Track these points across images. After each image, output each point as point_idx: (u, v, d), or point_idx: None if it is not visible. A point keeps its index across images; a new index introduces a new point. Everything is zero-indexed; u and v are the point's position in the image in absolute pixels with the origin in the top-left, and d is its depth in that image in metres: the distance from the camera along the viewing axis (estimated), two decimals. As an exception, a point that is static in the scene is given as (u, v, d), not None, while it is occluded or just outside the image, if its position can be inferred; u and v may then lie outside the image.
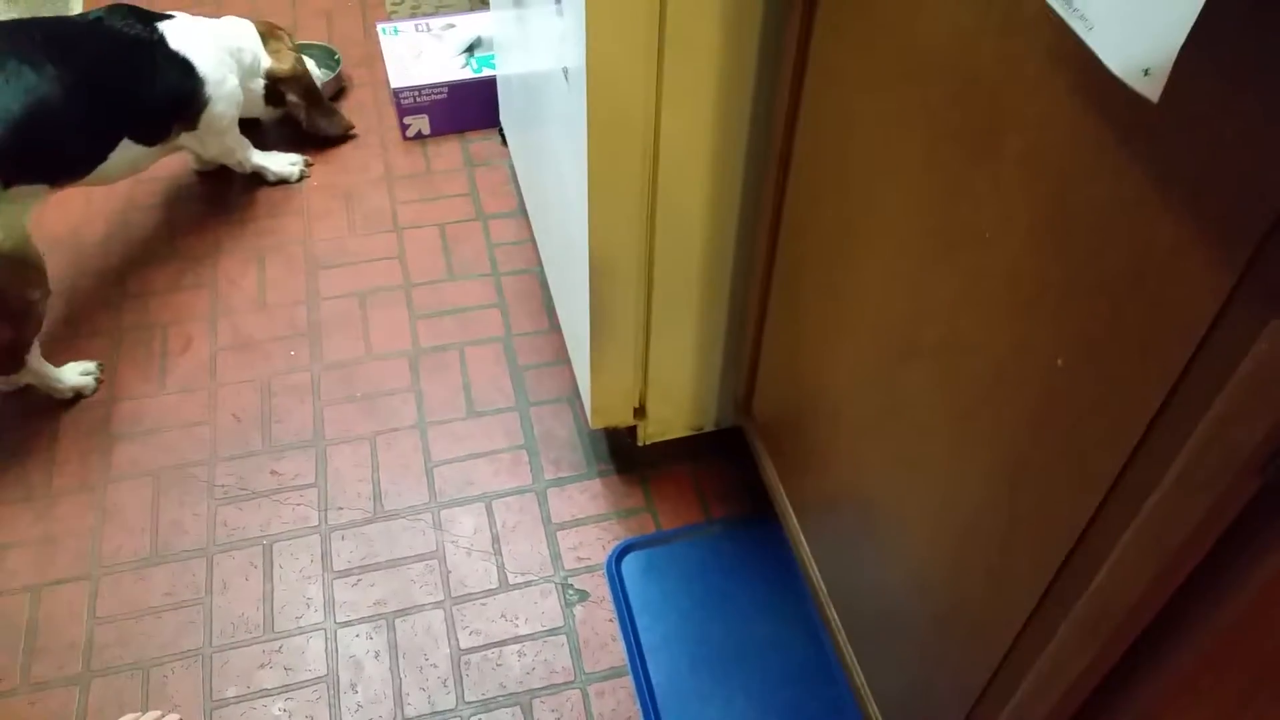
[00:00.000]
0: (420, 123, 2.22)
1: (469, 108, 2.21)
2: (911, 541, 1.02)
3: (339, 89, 2.35)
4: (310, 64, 2.19)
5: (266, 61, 2.04)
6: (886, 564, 1.10)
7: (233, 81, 1.92)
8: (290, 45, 2.11)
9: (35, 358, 1.64)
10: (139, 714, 1.34)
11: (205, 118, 1.86)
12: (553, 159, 1.42)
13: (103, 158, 1.67)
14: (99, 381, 1.75)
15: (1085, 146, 0.63)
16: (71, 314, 1.85)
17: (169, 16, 1.83)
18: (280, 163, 2.13)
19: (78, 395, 1.73)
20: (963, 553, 0.91)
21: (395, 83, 2.16)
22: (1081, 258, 0.65)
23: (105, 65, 1.65)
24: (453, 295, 1.91)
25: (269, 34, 2.08)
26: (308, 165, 2.17)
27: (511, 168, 2.13)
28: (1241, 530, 0.59)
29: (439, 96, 2.18)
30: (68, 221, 2.01)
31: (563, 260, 1.48)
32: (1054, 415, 0.72)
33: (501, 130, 2.18)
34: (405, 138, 2.24)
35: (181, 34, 1.81)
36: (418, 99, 2.17)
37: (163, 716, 1.34)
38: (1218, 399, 0.55)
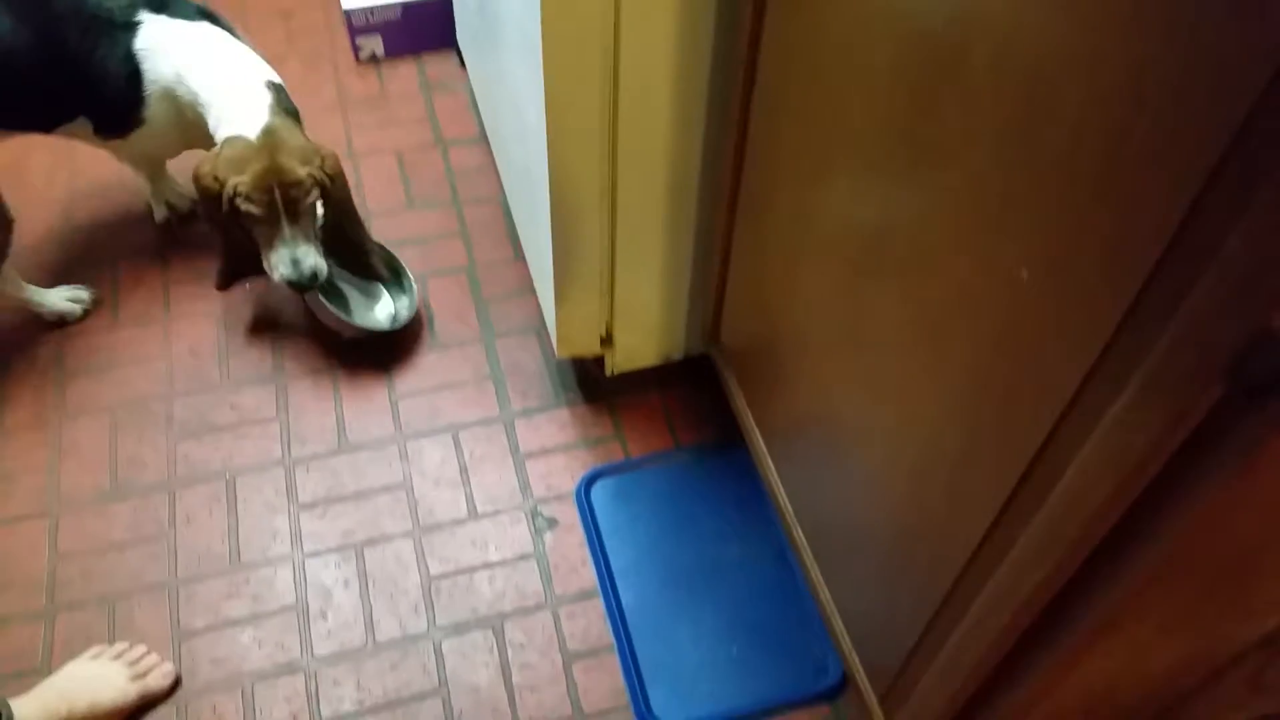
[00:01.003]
0: (373, 44, 2.15)
1: (425, 28, 2.14)
2: (874, 461, 1.03)
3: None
4: (314, 253, 1.48)
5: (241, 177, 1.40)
6: (850, 484, 1.11)
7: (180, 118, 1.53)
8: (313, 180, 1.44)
9: (7, 280, 1.60)
10: (104, 646, 1.34)
11: (133, 138, 1.58)
12: (510, 80, 1.38)
13: (54, 126, 1.54)
14: (86, 312, 1.71)
15: (1056, 43, 0.62)
16: (17, 248, 1.80)
17: (171, 14, 1.50)
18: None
19: (61, 320, 1.69)
20: (923, 469, 0.92)
21: (347, 3, 2.09)
22: (1050, 162, 0.65)
23: (62, 33, 1.44)
24: (413, 225, 1.88)
25: (305, 152, 1.43)
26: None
27: (471, 91, 2.08)
28: (1202, 439, 0.60)
29: (392, 16, 2.11)
30: (9, 151, 1.94)
31: (524, 187, 1.45)
32: (1017, 329, 0.73)
33: (459, 51, 2.12)
34: (358, 60, 2.17)
35: (161, 38, 1.48)
36: (370, 19, 2.10)
37: (130, 648, 1.34)
38: (1184, 303, 0.55)
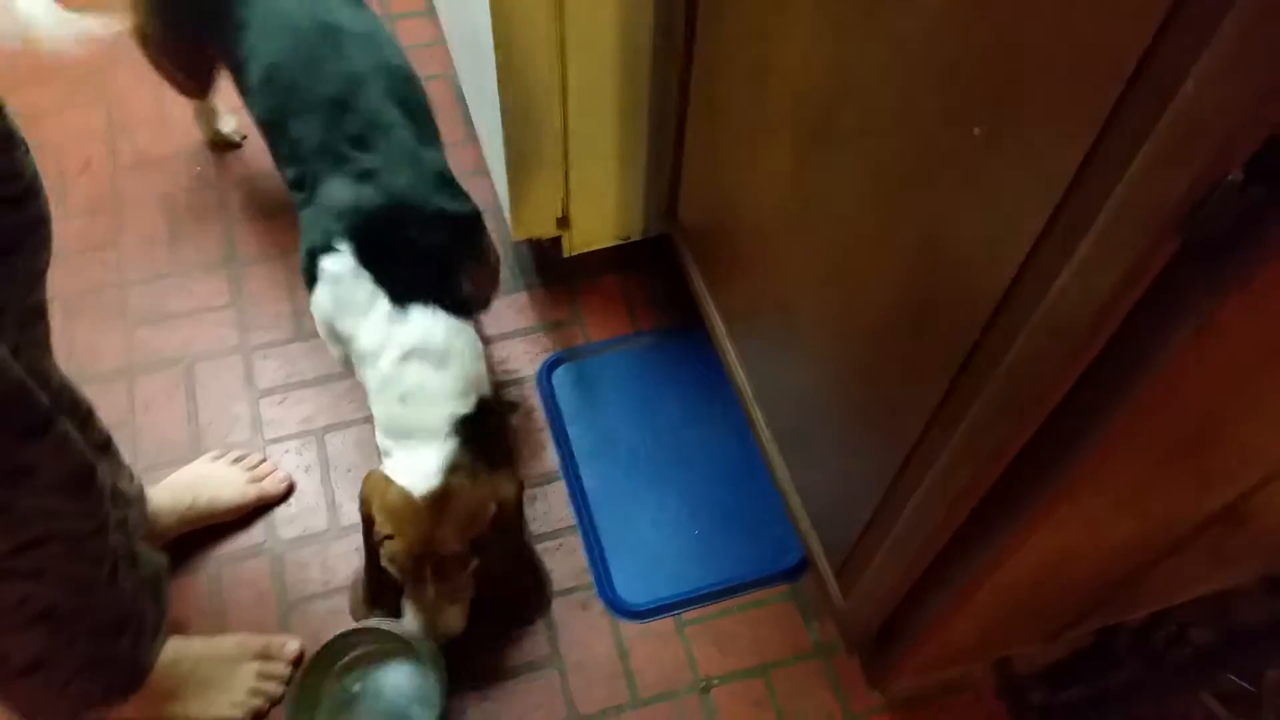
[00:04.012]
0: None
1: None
2: (829, 335, 1.01)
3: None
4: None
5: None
6: (807, 361, 1.10)
7: None
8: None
9: None
10: (224, 450, 1.41)
11: None
12: (461, -54, 1.32)
13: None
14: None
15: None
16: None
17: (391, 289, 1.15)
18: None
19: None
20: (877, 342, 0.90)
21: None
22: (1009, 9, 0.61)
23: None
24: (368, 106, 1.81)
25: (473, 515, 1.15)
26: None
27: (424, -35, 1.98)
28: (1156, 300, 0.58)
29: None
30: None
31: (473, 61, 1.39)
32: (970, 190, 0.70)
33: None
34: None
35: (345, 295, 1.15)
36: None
37: (249, 454, 1.41)
38: (1140, 150, 0.52)
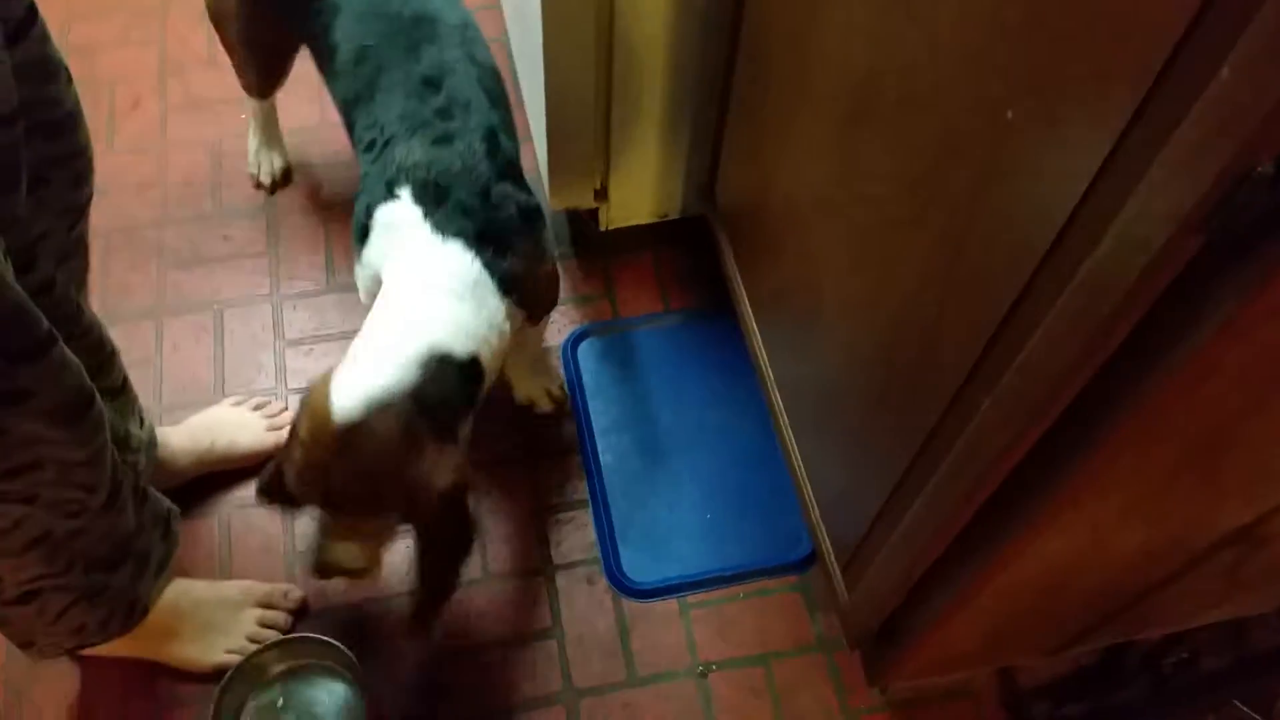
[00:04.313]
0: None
1: None
2: (851, 323, 1.00)
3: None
4: None
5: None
6: (828, 349, 1.08)
7: None
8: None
9: None
10: (244, 395, 1.44)
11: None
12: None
13: None
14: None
15: None
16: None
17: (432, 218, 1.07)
18: None
19: None
20: (897, 330, 0.89)
21: None
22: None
23: None
24: (418, 67, 1.81)
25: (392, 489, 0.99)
26: None
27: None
28: (1178, 296, 0.56)
29: None
30: None
31: (522, 26, 1.39)
32: (998, 176, 0.68)
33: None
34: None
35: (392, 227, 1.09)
36: None
37: (270, 402, 1.43)
38: (1168, 142, 0.50)
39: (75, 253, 1.03)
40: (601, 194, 1.43)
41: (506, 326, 1.07)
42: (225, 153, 1.68)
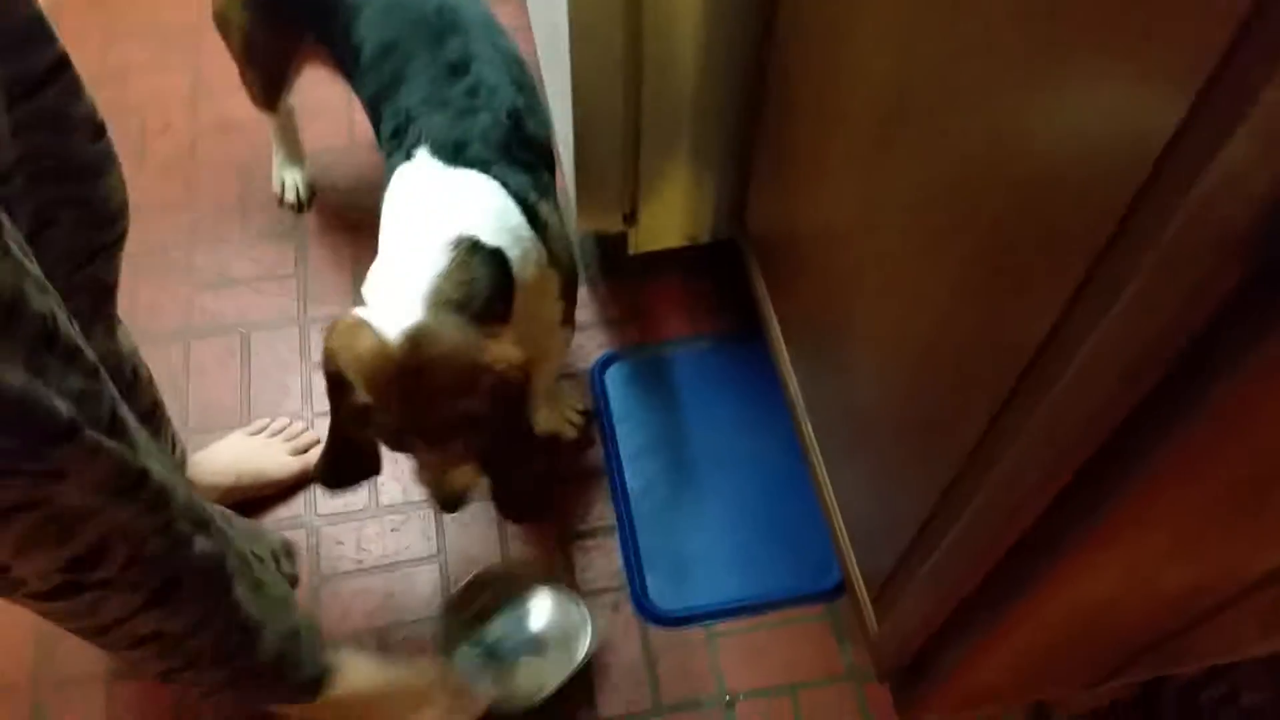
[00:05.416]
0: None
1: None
2: (881, 352, 0.98)
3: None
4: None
5: None
6: (859, 377, 1.06)
7: None
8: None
9: None
10: (264, 421, 1.42)
11: None
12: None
13: None
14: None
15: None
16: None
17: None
18: None
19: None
20: (928, 360, 0.87)
21: None
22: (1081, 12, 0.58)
23: None
24: (447, 89, 1.82)
25: (459, 374, 0.94)
26: None
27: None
28: (1218, 328, 0.54)
29: None
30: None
31: (553, 46, 1.38)
32: (1030, 201, 0.66)
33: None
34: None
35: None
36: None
37: (290, 424, 1.42)
38: (1209, 166, 0.48)
39: (82, 291, 0.96)
40: (630, 218, 1.42)
41: (530, 242, 1.04)
42: (254, 175, 1.69)
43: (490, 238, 0.98)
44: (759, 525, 1.39)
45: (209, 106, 1.78)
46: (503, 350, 0.95)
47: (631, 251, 1.49)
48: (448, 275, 0.94)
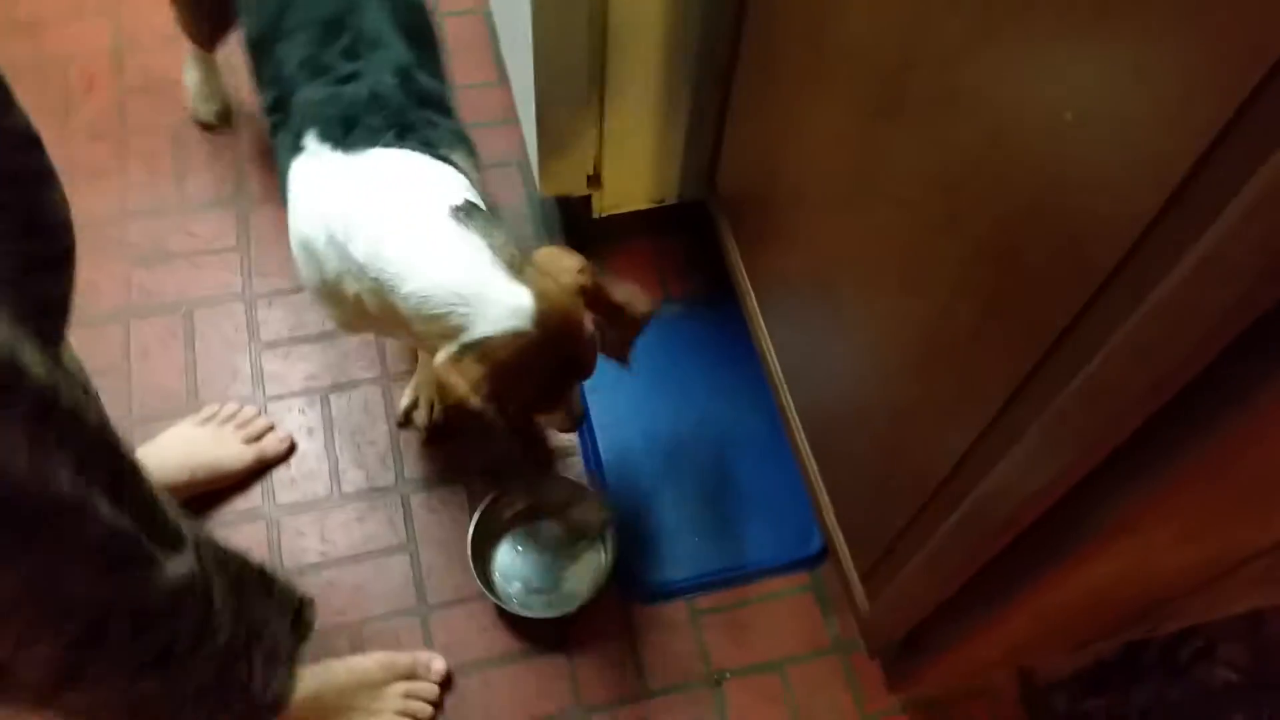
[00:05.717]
0: None
1: None
2: (876, 330, 0.93)
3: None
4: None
5: None
6: (850, 351, 1.01)
7: None
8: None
9: None
10: (213, 408, 1.33)
11: None
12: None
13: None
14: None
15: None
16: (-41, 49, 1.64)
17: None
18: None
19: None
20: (930, 344, 0.82)
21: None
22: None
23: None
24: (391, 41, 1.71)
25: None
26: None
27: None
28: (1261, 333, 0.50)
29: None
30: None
31: (506, -3, 1.29)
32: (1055, 186, 0.61)
33: None
34: None
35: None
36: None
37: (240, 410, 1.34)
38: (1266, 161, 0.43)
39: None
40: (595, 180, 1.35)
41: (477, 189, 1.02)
42: (189, 138, 1.58)
43: (468, 194, 0.97)
44: (738, 493, 1.35)
45: (135, 62, 1.65)
46: (559, 279, 0.94)
47: (596, 215, 1.42)
48: (492, 240, 0.93)
